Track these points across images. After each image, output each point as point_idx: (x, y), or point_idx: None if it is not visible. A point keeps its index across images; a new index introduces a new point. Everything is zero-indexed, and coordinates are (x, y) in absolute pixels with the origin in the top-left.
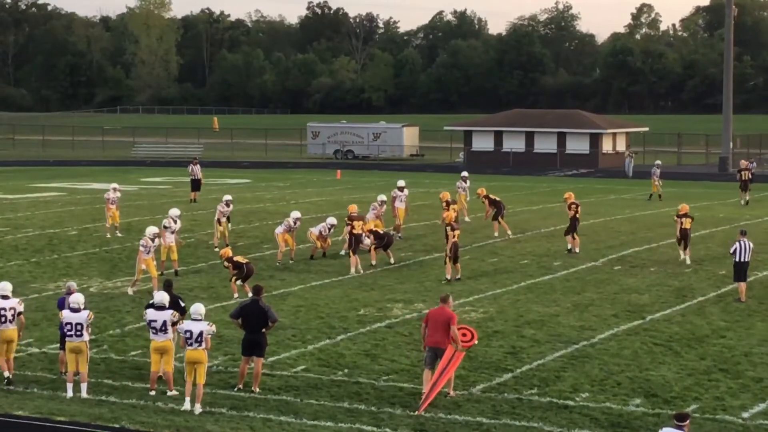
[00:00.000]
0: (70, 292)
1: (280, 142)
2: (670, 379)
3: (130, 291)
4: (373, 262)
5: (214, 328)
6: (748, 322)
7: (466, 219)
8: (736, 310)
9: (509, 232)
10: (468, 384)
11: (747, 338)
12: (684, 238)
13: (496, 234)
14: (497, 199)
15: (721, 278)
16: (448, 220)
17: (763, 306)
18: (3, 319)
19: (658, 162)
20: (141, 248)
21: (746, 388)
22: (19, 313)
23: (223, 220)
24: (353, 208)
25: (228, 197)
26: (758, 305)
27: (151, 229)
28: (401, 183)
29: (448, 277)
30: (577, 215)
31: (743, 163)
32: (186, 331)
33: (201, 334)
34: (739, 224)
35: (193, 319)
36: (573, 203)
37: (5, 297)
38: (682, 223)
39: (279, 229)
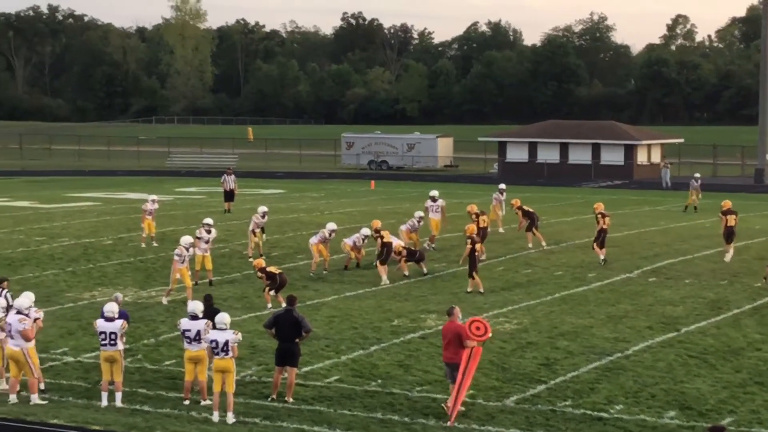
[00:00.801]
0: (118, 303)
1: (314, 152)
2: (705, 392)
3: (164, 300)
4: (406, 273)
5: (239, 336)
6: None
7: (500, 230)
8: None
9: (544, 243)
10: (502, 395)
11: None
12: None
13: (530, 245)
14: (531, 210)
15: (757, 291)
16: (469, 232)
17: None
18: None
19: (697, 175)
20: (176, 258)
21: None
22: (35, 319)
23: (258, 231)
24: (377, 224)
25: (264, 209)
26: None
27: (186, 239)
28: (434, 193)
29: (469, 289)
30: (605, 226)
31: None
32: (212, 341)
33: (227, 343)
34: None
35: (218, 329)
36: (601, 213)
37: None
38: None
39: (313, 240)
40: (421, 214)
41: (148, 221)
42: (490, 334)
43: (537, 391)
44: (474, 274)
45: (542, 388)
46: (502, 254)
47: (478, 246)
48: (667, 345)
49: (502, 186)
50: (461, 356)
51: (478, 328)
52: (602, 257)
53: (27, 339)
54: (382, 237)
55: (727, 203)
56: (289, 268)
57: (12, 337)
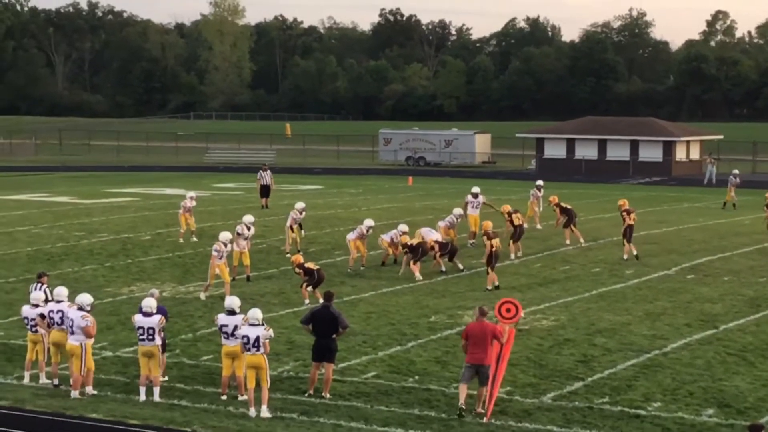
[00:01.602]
0: (155, 298)
1: (352, 148)
2: (743, 390)
3: (202, 296)
4: (443, 269)
5: (271, 332)
6: None
7: (538, 227)
8: None
9: (581, 240)
10: (539, 392)
11: None
12: None
13: (567, 242)
14: (568, 207)
15: None
16: (485, 228)
17: None
18: (51, 322)
19: (736, 171)
20: (214, 253)
21: None
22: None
23: (296, 226)
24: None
25: (302, 204)
26: None
27: (225, 235)
28: (476, 189)
29: (489, 287)
30: (632, 222)
31: None
32: (243, 336)
33: (258, 339)
34: None
35: (250, 324)
36: (626, 210)
37: (59, 301)
38: None
39: (351, 236)
40: (460, 211)
41: (186, 217)
42: (522, 314)
43: (574, 388)
44: (489, 269)
45: (579, 385)
46: (540, 251)
47: (495, 242)
48: (705, 342)
49: (540, 182)
50: (490, 357)
51: (508, 310)
52: (634, 252)
53: (88, 335)
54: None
55: None
56: (326, 263)
57: (73, 333)
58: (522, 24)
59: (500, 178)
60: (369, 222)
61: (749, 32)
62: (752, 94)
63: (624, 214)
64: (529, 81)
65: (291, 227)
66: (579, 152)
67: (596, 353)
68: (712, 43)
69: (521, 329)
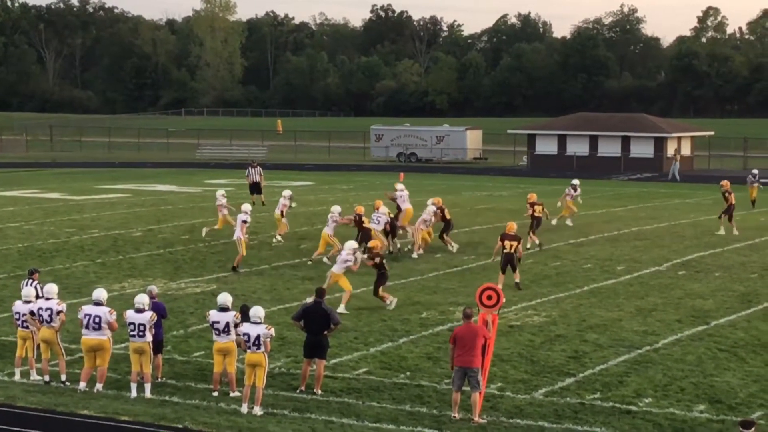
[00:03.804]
0: (152, 296)
1: (343, 144)
2: (734, 386)
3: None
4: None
5: (272, 331)
6: None
7: (568, 223)
8: None
9: (536, 242)
10: (530, 388)
11: None
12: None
13: (528, 246)
14: (539, 215)
15: None
16: (508, 229)
17: None
18: (40, 319)
19: (755, 171)
20: (241, 222)
21: None
22: (59, 312)
23: (279, 213)
24: (360, 210)
25: (289, 192)
26: None
27: (246, 206)
28: (400, 186)
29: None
30: (538, 214)
31: None
32: (244, 334)
33: (258, 337)
34: None
35: (252, 322)
36: (728, 191)
37: (48, 299)
38: None
39: (328, 230)
40: (433, 208)
41: (223, 214)
42: (503, 300)
43: (566, 384)
44: (504, 270)
45: (571, 380)
46: (532, 247)
47: (507, 243)
48: (696, 338)
49: (576, 181)
50: (479, 359)
51: (489, 297)
52: (538, 242)
53: (112, 329)
54: (361, 222)
55: None
56: (319, 260)
57: (96, 328)
58: (513, 20)
59: (492, 174)
60: (337, 208)
61: (740, 28)
62: (743, 90)
63: (726, 194)
64: (520, 77)
65: (282, 212)
66: (570, 148)
67: (587, 349)
68: (703, 40)
69: (513, 325)
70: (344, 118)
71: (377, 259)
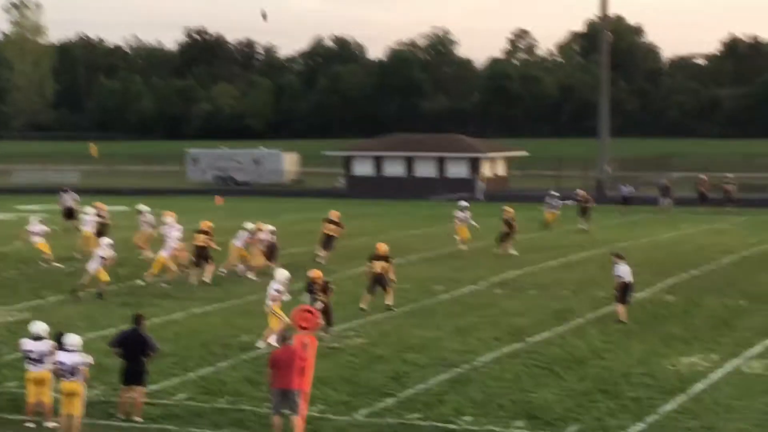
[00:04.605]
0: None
1: (160, 168)
2: (551, 401)
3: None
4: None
5: (90, 359)
6: (627, 343)
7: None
8: (614, 331)
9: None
10: (351, 409)
11: (626, 359)
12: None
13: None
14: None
15: (600, 300)
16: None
17: (640, 327)
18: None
19: (555, 193)
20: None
21: (625, 408)
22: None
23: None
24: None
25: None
26: (635, 326)
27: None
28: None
29: (363, 306)
30: (328, 232)
31: (581, 192)
32: (59, 363)
33: (75, 365)
34: (616, 246)
35: (67, 350)
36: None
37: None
38: None
39: (237, 242)
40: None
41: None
42: (320, 320)
43: (386, 405)
44: (371, 290)
45: (391, 401)
46: (352, 266)
47: (376, 264)
48: (514, 355)
49: (464, 203)
50: (297, 381)
51: (306, 319)
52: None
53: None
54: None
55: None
56: (137, 286)
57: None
58: (329, 42)
59: (309, 197)
60: (249, 225)
61: (549, 50)
62: (554, 110)
63: (511, 221)
64: (336, 99)
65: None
66: (387, 170)
67: (407, 369)
68: (515, 61)
69: (333, 347)
70: (160, 142)
71: (329, 291)
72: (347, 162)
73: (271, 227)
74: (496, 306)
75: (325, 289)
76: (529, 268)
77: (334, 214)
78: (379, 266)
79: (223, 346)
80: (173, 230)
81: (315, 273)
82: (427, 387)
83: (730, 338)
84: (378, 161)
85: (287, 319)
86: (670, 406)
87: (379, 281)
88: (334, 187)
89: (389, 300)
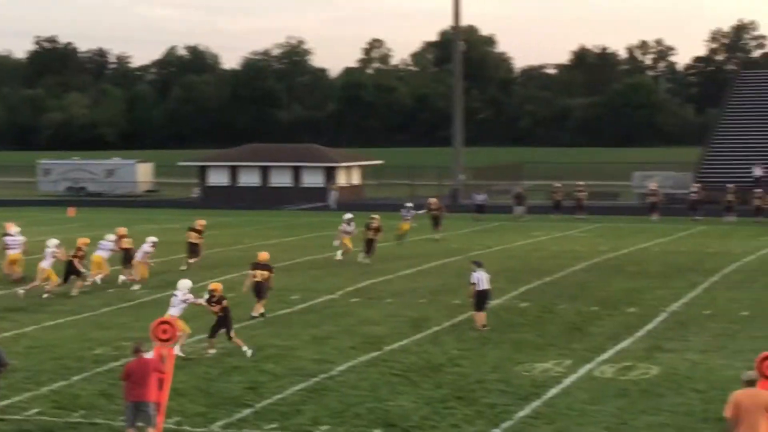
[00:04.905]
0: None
1: (8, 179)
2: (408, 409)
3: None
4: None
5: None
6: (482, 350)
7: (362, 260)
8: (470, 338)
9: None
10: (208, 421)
11: (481, 366)
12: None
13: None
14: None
15: (456, 308)
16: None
17: (495, 334)
18: None
19: (409, 204)
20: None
21: (481, 414)
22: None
23: None
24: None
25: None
26: (491, 333)
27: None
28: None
29: (254, 314)
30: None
31: (432, 201)
32: None
33: None
34: (470, 254)
35: None
36: (123, 236)
37: None
38: None
39: (138, 256)
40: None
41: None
42: (179, 333)
43: (243, 415)
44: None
45: (249, 411)
46: (207, 278)
47: (257, 272)
48: (370, 364)
49: (349, 215)
50: (151, 393)
51: (164, 331)
52: (125, 278)
53: None
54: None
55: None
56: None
57: None
58: (182, 52)
59: (164, 207)
60: (53, 241)
61: (404, 60)
62: (409, 119)
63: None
64: (191, 109)
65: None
66: (242, 179)
67: (264, 379)
68: (370, 71)
69: (189, 359)
70: (9, 152)
71: (224, 302)
72: (202, 172)
73: (153, 238)
74: (352, 315)
75: (220, 300)
76: (385, 277)
77: (199, 223)
78: (259, 275)
79: (76, 359)
80: (16, 241)
81: (214, 285)
82: (284, 397)
83: (582, 344)
84: (233, 171)
85: (188, 329)
86: (524, 412)
87: (259, 290)
88: (189, 198)
89: (260, 309)
